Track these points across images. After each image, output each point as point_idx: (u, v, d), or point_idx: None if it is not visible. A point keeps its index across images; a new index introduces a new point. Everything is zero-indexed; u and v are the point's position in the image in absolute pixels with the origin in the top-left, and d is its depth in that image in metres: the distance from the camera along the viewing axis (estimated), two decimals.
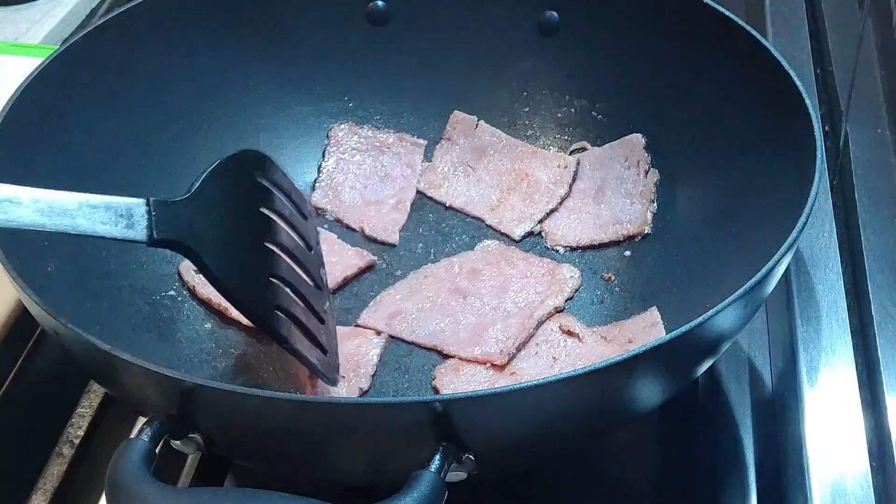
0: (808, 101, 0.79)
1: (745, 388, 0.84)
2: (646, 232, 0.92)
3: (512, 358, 0.84)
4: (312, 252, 0.80)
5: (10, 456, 0.83)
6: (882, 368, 0.79)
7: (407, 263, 0.94)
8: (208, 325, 0.88)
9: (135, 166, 0.91)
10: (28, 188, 0.64)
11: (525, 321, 0.86)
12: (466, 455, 0.62)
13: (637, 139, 0.97)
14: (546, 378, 0.61)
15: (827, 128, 1.02)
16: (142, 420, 0.66)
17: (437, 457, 0.60)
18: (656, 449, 0.82)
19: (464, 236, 0.97)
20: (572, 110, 1.02)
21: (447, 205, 0.99)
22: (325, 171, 1.01)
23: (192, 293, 0.90)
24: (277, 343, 0.74)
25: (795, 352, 0.81)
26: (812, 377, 0.79)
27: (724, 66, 0.89)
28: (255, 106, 1.00)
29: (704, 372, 0.77)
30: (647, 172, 0.95)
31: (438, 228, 0.98)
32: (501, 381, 0.82)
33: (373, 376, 0.84)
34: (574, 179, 0.98)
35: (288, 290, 0.75)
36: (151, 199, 0.68)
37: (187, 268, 0.90)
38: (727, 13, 0.89)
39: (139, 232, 0.67)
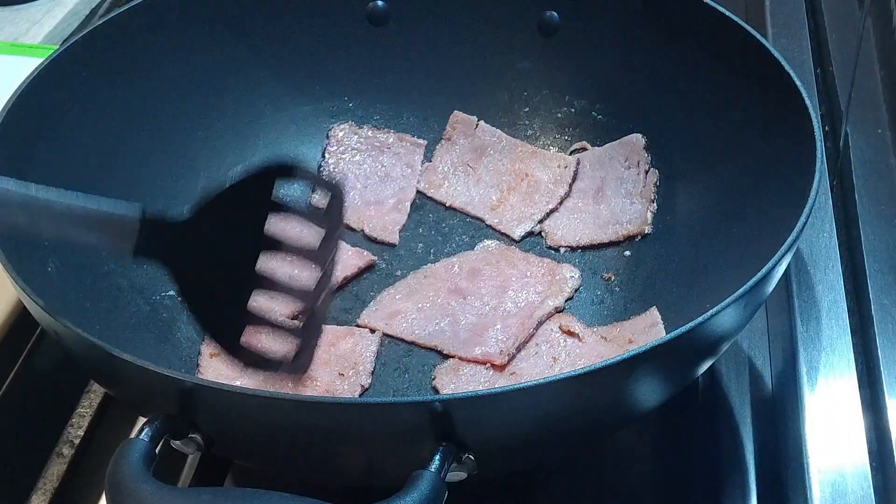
0: (808, 101, 0.79)
1: (745, 388, 0.84)
2: (646, 232, 0.92)
3: (512, 358, 0.84)
4: (320, 251, 0.74)
5: (10, 456, 0.83)
6: (882, 368, 0.79)
7: (407, 263, 0.94)
8: None
9: (134, 166, 0.91)
10: (17, 185, 0.63)
11: (525, 321, 0.86)
12: (466, 455, 0.62)
13: (637, 139, 0.97)
14: (546, 378, 0.61)
15: (827, 128, 1.02)
16: (142, 420, 0.66)
17: (438, 457, 0.60)
18: (656, 449, 0.82)
19: (464, 236, 0.97)
20: (572, 110, 1.01)
21: (447, 205, 0.99)
22: (324, 171, 1.01)
23: None
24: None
25: (795, 352, 0.81)
26: (812, 377, 0.79)
27: (724, 66, 0.89)
28: (254, 106, 1.00)
29: (704, 372, 0.77)
30: (647, 172, 0.95)
31: (438, 228, 0.98)
32: (501, 381, 0.82)
33: (372, 373, 0.84)
34: (574, 179, 0.98)
35: (264, 305, 0.72)
36: (145, 213, 0.66)
37: None
38: (727, 13, 0.89)
39: (124, 245, 0.66)
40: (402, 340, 0.87)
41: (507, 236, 0.96)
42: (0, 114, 0.81)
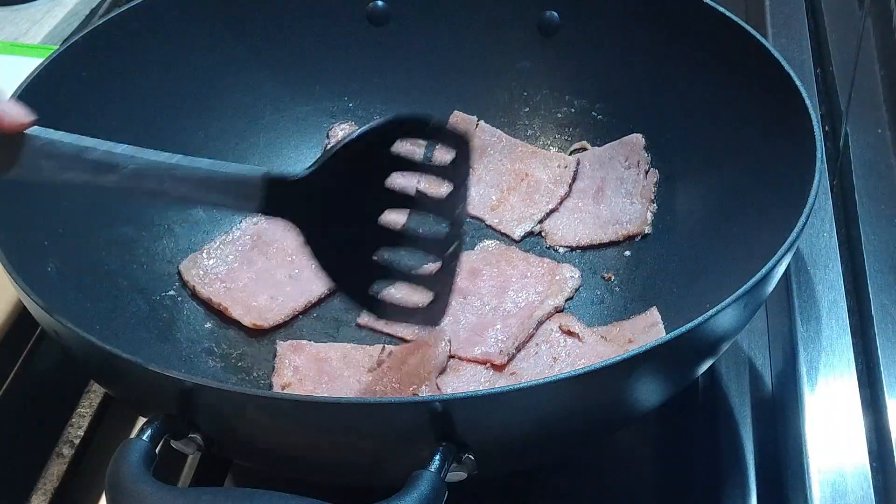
0: (808, 101, 0.79)
1: (745, 388, 0.84)
2: (646, 232, 0.92)
3: (512, 358, 0.84)
4: (447, 203, 0.76)
5: (10, 456, 0.83)
6: (882, 368, 0.79)
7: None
8: (208, 325, 0.88)
9: None
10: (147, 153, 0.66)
11: (525, 321, 0.86)
12: (466, 455, 0.62)
13: (637, 139, 0.97)
14: (546, 378, 0.61)
15: (827, 128, 1.02)
16: (142, 420, 0.66)
17: (438, 457, 0.60)
18: (656, 449, 0.82)
19: (464, 236, 0.96)
20: (572, 110, 1.02)
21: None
22: None
23: (193, 293, 0.90)
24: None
25: (795, 352, 0.81)
26: (812, 377, 0.79)
27: (724, 66, 0.89)
28: (255, 106, 1.00)
29: (704, 372, 0.77)
30: (647, 172, 0.95)
31: None
32: (501, 381, 0.82)
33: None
34: (574, 179, 0.98)
35: (393, 258, 0.75)
36: (267, 174, 0.69)
37: (187, 267, 0.90)
38: (727, 13, 0.89)
39: (250, 205, 0.69)
40: (403, 340, 0.87)
41: (507, 236, 0.96)
42: None
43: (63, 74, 0.87)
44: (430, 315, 0.78)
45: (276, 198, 0.69)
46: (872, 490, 0.72)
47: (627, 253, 0.92)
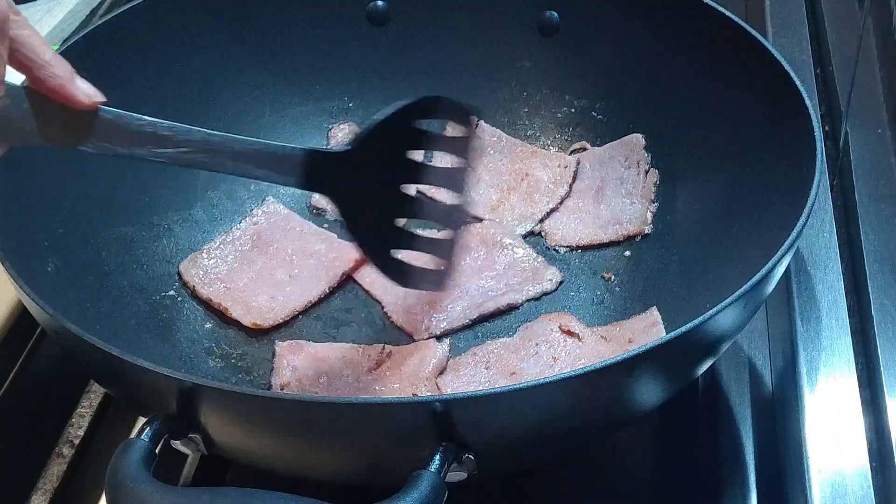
0: (808, 102, 0.79)
1: (745, 388, 0.84)
2: (646, 232, 0.92)
3: (437, 339, 0.86)
4: (456, 174, 0.84)
5: (10, 456, 0.83)
6: (882, 368, 0.79)
7: None
8: (208, 325, 0.88)
9: (135, 167, 0.90)
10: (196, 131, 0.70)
11: (471, 308, 0.87)
12: (466, 455, 0.62)
13: (637, 139, 0.97)
14: (546, 378, 0.61)
15: (827, 128, 1.02)
16: (142, 420, 0.66)
17: (438, 457, 0.60)
18: (656, 449, 0.82)
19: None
20: (572, 110, 1.02)
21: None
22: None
23: (193, 293, 0.90)
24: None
25: (795, 352, 0.81)
26: (812, 377, 0.79)
27: (724, 66, 0.89)
28: (254, 106, 1.00)
29: (705, 372, 0.77)
30: (647, 172, 0.95)
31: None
32: (502, 382, 0.82)
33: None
34: (574, 179, 0.98)
35: (411, 226, 0.84)
36: (308, 150, 0.74)
37: (187, 267, 0.90)
38: (727, 13, 0.89)
39: (292, 179, 0.74)
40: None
41: None
42: None
43: None
44: (438, 280, 0.83)
45: (315, 173, 0.74)
46: (872, 490, 0.72)
47: (627, 253, 0.92)
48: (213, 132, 0.70)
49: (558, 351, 0.84)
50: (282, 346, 0.85)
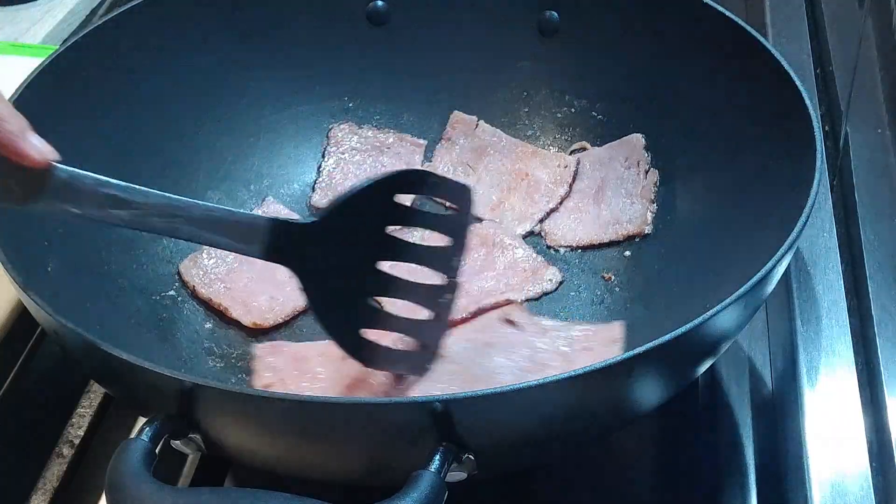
0: (808, 101, 0.79)
1: (745, 388, 0.84)
2: (646, 232, 0.92)
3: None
4: (448, 250, 0.78)
5: (10, 456, 0.83)
6: (882, 368, 0.79)
7: None
8: (208, 325, 0.88)
9: (135, 167, 0.89)
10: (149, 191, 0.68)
11: (471, 306, 0.87)
12: (466, 455, 0.62)
13: (637, 139, 0.96)
14: (546, 378, 0.61)
15: (827, 128, 1.02)
16: (142, 420, 0.66)
17: (437, 457, 0.60)
18: (656, 449, 0.82)
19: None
20: (572, 110, 1.01)
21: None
22: (325, 171, 1.01)
23: (193, 293, 0.90)
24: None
25: (795, 352, 0.81)
26: (812, 377, 0.79)
27: (724, 66, 0.89)
28: (255, 106, 1.00)
29: (704, 372, 0.77)
30: (647, 172, 0.95)
31: None
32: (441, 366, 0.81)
33: None
34: (574, 179, 0.98)
35: (385, 306, 0.79)
36: (272, 220, 0.72)
37: (188, 267, 0.90)
38: (727, 13, 0.89)
39: (254, 249, 0.72)
40: None
41: None
42: None
43: (63, 74, 0.87)
44: (417, 363, 0.78)
45: (279, 245, 0.71)
46: (873, 491, 0.72)
47: (627, 253, 0.92)
48: (173, 196, 0.69)
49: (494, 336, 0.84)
50: (260, 349, 0.85)
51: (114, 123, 0.90)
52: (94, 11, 1.27)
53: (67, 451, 0.81)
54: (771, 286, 0.71)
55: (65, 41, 0.92)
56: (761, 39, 0.85)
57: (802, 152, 0.77)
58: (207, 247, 0.92)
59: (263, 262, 0.87)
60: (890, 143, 0.97)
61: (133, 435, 0.61)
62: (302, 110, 1.02)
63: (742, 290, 0.66)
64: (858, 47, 1.04)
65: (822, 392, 0.78)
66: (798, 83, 0.81)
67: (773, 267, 0.68)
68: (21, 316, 0.87)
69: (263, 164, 1.00)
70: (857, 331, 0.83)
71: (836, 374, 0.80)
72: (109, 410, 0.84)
